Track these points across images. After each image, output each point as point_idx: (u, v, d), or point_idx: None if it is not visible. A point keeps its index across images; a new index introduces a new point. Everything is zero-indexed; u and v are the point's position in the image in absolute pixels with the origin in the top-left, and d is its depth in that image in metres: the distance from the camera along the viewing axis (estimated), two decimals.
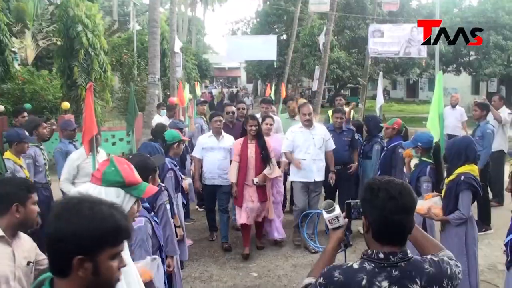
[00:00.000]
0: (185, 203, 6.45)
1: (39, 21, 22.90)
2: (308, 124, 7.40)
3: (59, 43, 16.57)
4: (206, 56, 51.60)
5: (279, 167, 7.58)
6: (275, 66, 31.87)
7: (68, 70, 15.67)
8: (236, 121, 8.78)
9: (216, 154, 7.52)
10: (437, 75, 6.47)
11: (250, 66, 46.55)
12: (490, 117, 8.71)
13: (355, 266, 2.11)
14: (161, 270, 3.64)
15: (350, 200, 2.40)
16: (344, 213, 2.41)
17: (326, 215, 2.42)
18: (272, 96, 25.97)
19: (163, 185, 4.58)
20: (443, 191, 4.89)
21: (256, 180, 7.07)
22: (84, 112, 5.72)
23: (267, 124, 7.71)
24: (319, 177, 7.44)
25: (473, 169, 4.73)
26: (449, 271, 2.13)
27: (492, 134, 8.26)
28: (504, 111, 9.17)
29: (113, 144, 16.29)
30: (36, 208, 3.09)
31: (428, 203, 4.81)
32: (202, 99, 12.50)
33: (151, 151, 4.48)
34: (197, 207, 9.55)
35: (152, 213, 3.60)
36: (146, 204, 3.44)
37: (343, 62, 32.28)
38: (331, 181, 7.64)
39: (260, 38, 25.15)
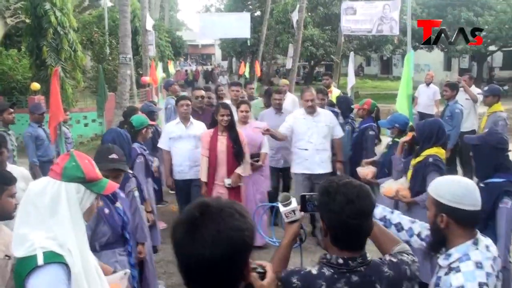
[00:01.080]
0: (156, 188, 6.43)
1: None
2: (311, 110, 6.76)
3: (27, 21, 16.16)
4: (179, 33, 50.94)
5: (258, 161, 6.82)
6: (249, 44, 31.60)
7: (37, 50, 15.31)
8: (205, 107, 8.15)
9: (185, 144, 6.71)
10: (406, 56, 6.53)
11: (224, 43, 46.15)
12: (459, 96, 8.84)
13: (314, 271, 2.07)
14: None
15: (305, 193, 2.37)
16: (299, 206, 2.36)
17: (282, 208, 2.35)
18: (247, 74, 26.02)
19: (130, 172, 4.55)
20: (410, 172, 4.96)
21: (228, 182, 6.20)
22: (50, 98, 5.62)
23: (242, 111, 6.80)
24: (323, 169, 6.73)
25: (440, 152, 4.80)
26: (408, 272, 2.14)
27: (461, 113, 8.42)
28: (474, 91, 9.33)
29: (85, 125, 16.11)
30: (13, 201, 3.03)
31: (396, 185, 4.88)
32: (173, 80, 12.28)
33: (115, 138, 4.41)
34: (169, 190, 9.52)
35: (117, 203, 3.56)
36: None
37: (316, 39, 32.21)
38: (338, 172, 7.01)
39: (234, 15, 24.87)
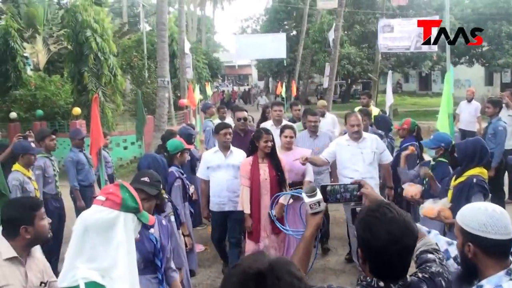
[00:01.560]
0: (193, 212, 6.40)
1: (50, 26, 23.06)
2: (357, 136, 6.25)
3: (69, 47, 16.68)
4: (216, 54, 51.66)
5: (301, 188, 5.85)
6: (286, 64, 31.74)
7: (78, 75, 15.74)
8: (248, 129, 7.57)
9: (224, 173, 6.25)
10: (446, 74, 6.38)
11: (260, 64, 46.52)
12: (502, 113, 8.59)
13: None
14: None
15: (325, 184, 2.40)
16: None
17: (307, 199, 2.33)
18: (283, 94, 26.05)
19: (166, 196, 4.56)
20: (451, 192, 4.80)
21: (273, 213, 5.50)
22: (91, 123, 5.72)
23: (286, 136, 6.35)
24: None
25: (483, 172, 4.64)
26: (443, 283, 2.09)
27: (505, 131, 8.15)
28: None
29: (125, 148, 16.36)
30: (45, 222, 3.11)
31: (437, 206, 4.73)
32: (211, 102, 12.32)
33: (151, 163, 4.44)
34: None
35: (152, 230, 3.56)
36: None
37: (353, 57, 32.09)
38: (389, 198, 6.48)
39: (269, 36, 25.06)
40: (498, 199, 7.66)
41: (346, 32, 32.19)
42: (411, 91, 48.71)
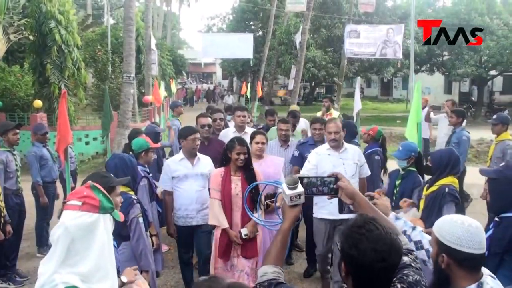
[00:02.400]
0: (160, 211, 6.31)
1: (10, 14, 22.34)
2: (335, 145, 5.77)
3: (31, 37, 16.23)
4: (181, 51, 51.19)
5: (273, 202, 5.33)
6: (251, 64, 31.72)
7: (41, 67, 15.38)
8: (212, 136, 6.99)
9: (192, 184, 5.59)
10: (415, 84, 6.51)
11: (225, 62, 46.35)
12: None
13: None
14: None
15: (301, 175, 2.38)
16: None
17: (288, 191, 2.31)
18: (248, 94, 26.03)
19: (135, 197, 4.48)
20: (422, 201, 4.89)
21: (244, 232, 5.12)
22: (58, 120, 5.57)
23: (258, 143, 5.87)
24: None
25: (455, 181, 4.75)
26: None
27: (468, 140, 8.39)
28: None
29: (87, 143, 16.05)
30: None
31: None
32: (179, 101, 12.18)
33: (118, 164, 4.37)
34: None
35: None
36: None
37: (319, 61, 32.34)
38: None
39: (236, 36, 25.03)
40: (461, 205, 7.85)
41: (312, 35, 32.43)
42: (372, 96, 49.56)
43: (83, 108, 19.52)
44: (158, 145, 7.33)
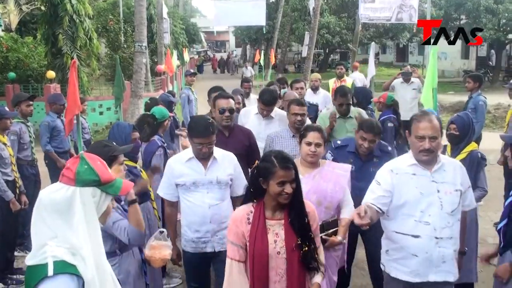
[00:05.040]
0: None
1: None
2: (429, 159, 3.39)
3: (43, 8, 16.16)
4: (194, 20, 50.76)
5: (336, 233, 3.87)
6: (264, 31, 31.34)
7: (53, 38, 15.34)
8: (235, 126, 5.10)
9: (204, 196, 3.88)
10: (431, 50, 6.33)
11: (239, 30, 45.94)
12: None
13: None
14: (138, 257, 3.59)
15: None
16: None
17: None
18: (262, 62, 25.82)
19: (138, 167, 4.42)
20: None
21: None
22: (68, 90, 5.54)
23: (310, 144, 3.93)
24: (442, 274, 3.42)
25: (476, 147, 4.74)
26: None
27: (485, 105, 8.22)
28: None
29: (101, 113, 16.10)
30: None
31: None
32: (191, 70, 12.07)
33: (116, 133, 4.26)
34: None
35: (122, 202, 3.46)
36: None
37: (333, 27, 31.91)
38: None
39: (249, 3, 24.63)
40: None
41: (326, 0, 31.89)
42: (388, 62, 48.84)
43: (96, 79, 19.56)
44: (173, 114, 7.32)
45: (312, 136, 3.91)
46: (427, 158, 3.36)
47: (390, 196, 3.44)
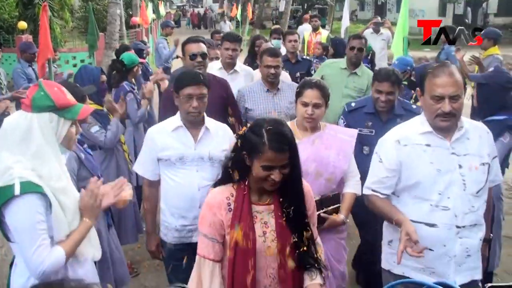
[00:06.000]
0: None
1: None
2: (448, 125, 2.63)
3: None
4: None
5: (337, 211, 3.23)
6: None
7: None
8: (203, 70, 4.21)
9: (193, 174, 3.21)
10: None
11: None
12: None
13: None
14: None
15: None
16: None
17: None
18: (239, 17, 25.52)
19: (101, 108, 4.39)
20: None
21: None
22: (40, 34, 5.50)
23: (306, 104, 3.25)
24: (468, 274, 2.74)
25: None
26: None
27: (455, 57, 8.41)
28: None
29: (74, 66, 15.84)
30: None
31: None
32: (172, 22, 11.89)
33: (83, 75, 4.26)
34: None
35: (85, 145, 3.50)
36: (78, 136, 3.27)
37: None
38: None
39: None
40: None
41: None
42: (366, 19, 48.58)
43: (69, 31, 19.18)
44: (144, 60, 7.29)
45: (310, 95, 3.22)
46: (447, 124, 2.59)
47: (396, 176, 2.76)
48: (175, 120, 3.28)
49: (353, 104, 4.11)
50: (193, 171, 3.20)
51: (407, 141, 2.70)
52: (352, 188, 3.30)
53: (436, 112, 2.56)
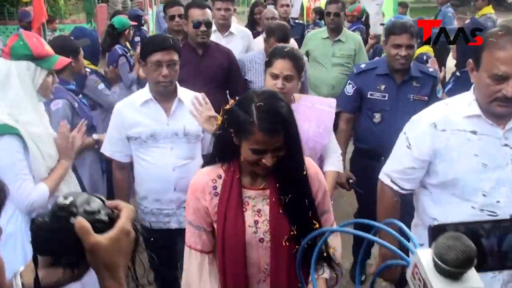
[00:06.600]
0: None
1: None
2: (505, 108, 2.01)
3: None
4: None
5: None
6: None
7: None
8: (207, 40, 3.95)
9: (166, 153, 2.91)
10: None
11: None
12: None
13: None
14: None
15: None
16: None
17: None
18: None
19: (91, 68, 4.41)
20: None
21: None
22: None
23: (282, 76, 2.74)
24: None
25: (430, 50, 5.23)
26: None
27: (453, 17, 8.42)
28: None
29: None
30: None
31: None
32: None
33: (78, 34, 4.35)
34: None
35: (80, 95, 3.63)
36: (72, 87, 3.43)
37: None
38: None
39: None
40: None
41: None
42: None
43: (74, 4, 19.19)
44: (137, 22, 7.29)
45: (280, 66, 2.73)
46: (504, 110, 2.02)
47: (424, 168, 2.22)
48: (144, 92, 2.95)
49: (362, 66, 3.68)
50: (167, 149, 2.89)
51: (446, 125, 2.13)
52: (333, 165, 2.99)
53: (495, 95, 1.97)
